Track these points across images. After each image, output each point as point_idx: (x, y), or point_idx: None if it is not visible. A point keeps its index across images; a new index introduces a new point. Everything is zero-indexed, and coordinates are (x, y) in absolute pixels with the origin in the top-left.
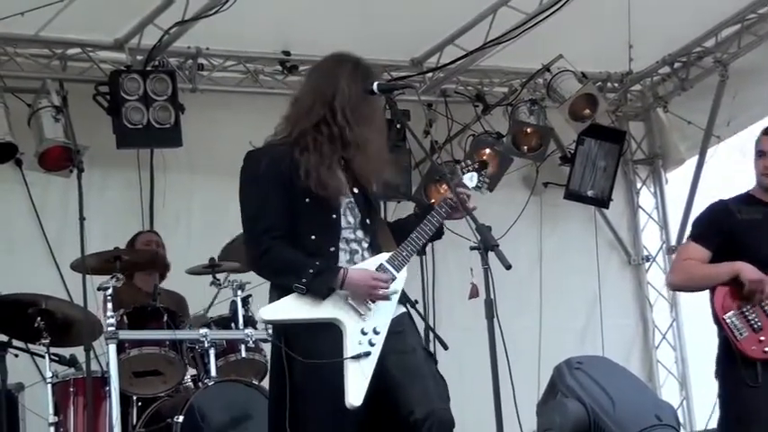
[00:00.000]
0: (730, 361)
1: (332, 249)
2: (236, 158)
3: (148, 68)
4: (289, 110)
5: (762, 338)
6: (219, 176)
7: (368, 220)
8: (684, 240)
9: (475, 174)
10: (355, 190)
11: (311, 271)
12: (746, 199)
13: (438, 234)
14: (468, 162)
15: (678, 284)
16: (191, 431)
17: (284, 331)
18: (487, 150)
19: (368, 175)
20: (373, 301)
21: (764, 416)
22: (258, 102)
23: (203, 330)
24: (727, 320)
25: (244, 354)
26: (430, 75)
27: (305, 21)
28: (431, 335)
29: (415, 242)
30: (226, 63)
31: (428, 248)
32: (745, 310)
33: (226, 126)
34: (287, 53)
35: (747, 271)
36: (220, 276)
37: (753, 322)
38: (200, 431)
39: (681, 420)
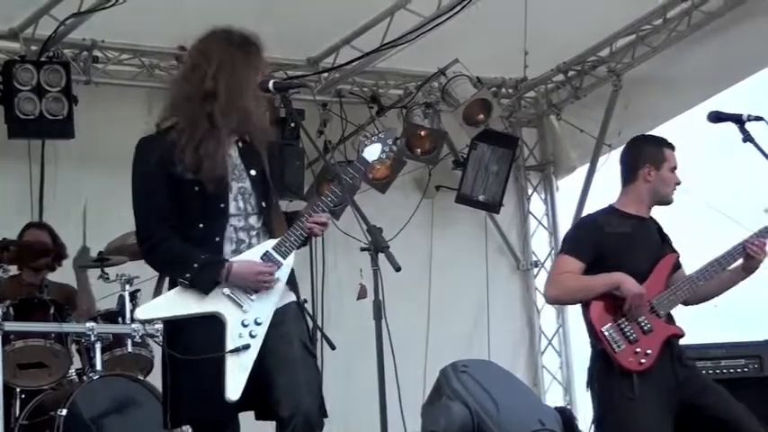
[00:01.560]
0: (608, 373)
1: (217, 239)
2: (129, 153)
3: (43, 59)
4: None
5: (637, 350)
6: (111, 170)
7: (263, 203)
8: (557, 255)
9: (378, 144)
10: (252, 172)
11: (195, 265)
12: (612, 212)
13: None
14: (370, 133)
15: (556, 297)
16: (73, 425)
17: (167, 326)
18: None
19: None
20: (256, 291)
21: (642, 428)
22: (153, 96)
23: (90, 324)
24: (605, 333)
25: (130, 348)
26: (326, 75)
27: (202, 16)
28: (318, 334)
29: (303, 228)
30: (121, 56)
31: (318, 248)
32: (620, 322)
33: (119, 120)
34: (183, 48)
35: (628, 284)
36: (109, 270)
37: (628, 334)
38: (82, 425)
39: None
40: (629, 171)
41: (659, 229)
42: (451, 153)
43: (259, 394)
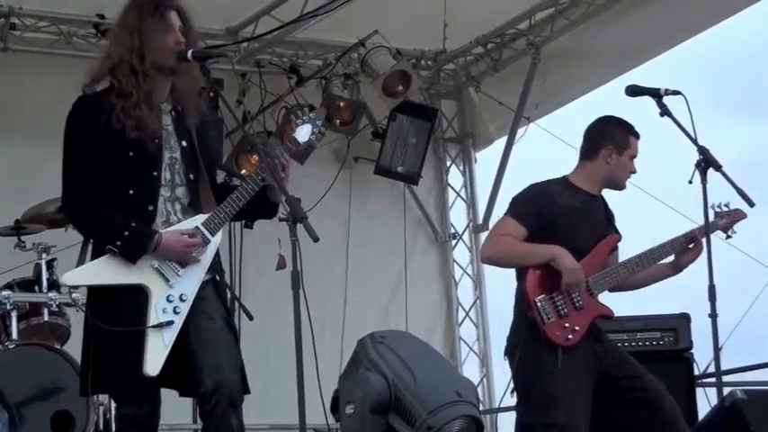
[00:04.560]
0: (535, 344)
1: (150, 208)
2: (46, 121)
3: None
4: None
5: (566, 325)
6: (28, 138)
7: (191, 176)
8: (502, 216)
9: (308, 125)
10: (183, 143)
11: (126, 234)
12: (567, 185)
13: (269, 209)
14: (301, 113)
15: (492, 258)
16: None
17: (92, 294)
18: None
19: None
20: (183, 266)
21: (563, 401)
22: (70, 65)
23: (6, 292)
24: (537, 303)
25: (47, 317)
26: (245, 44)
27: None
28: (236, 305)
29: (232, 204)
30: (39, 24)
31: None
32: (554, 295)
33: (36, 88)
34: (101, 16)
35: (565, 259)
36: (25, 239)
37: (560, 308)
38: None
39: (480, 397)
40: (591, 148)
41: (606, 207)
42: (370, 124)
43: (180, 370)
